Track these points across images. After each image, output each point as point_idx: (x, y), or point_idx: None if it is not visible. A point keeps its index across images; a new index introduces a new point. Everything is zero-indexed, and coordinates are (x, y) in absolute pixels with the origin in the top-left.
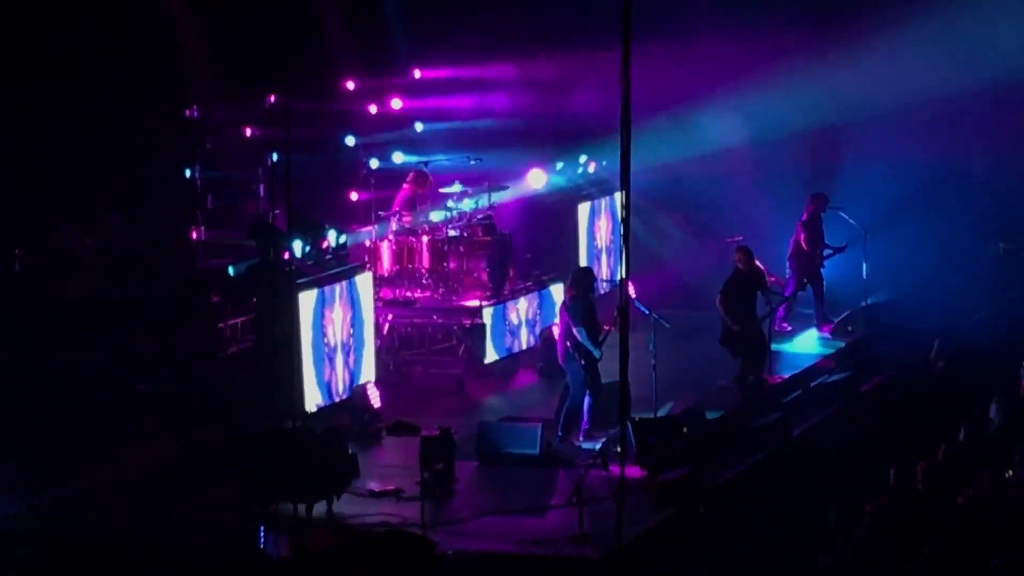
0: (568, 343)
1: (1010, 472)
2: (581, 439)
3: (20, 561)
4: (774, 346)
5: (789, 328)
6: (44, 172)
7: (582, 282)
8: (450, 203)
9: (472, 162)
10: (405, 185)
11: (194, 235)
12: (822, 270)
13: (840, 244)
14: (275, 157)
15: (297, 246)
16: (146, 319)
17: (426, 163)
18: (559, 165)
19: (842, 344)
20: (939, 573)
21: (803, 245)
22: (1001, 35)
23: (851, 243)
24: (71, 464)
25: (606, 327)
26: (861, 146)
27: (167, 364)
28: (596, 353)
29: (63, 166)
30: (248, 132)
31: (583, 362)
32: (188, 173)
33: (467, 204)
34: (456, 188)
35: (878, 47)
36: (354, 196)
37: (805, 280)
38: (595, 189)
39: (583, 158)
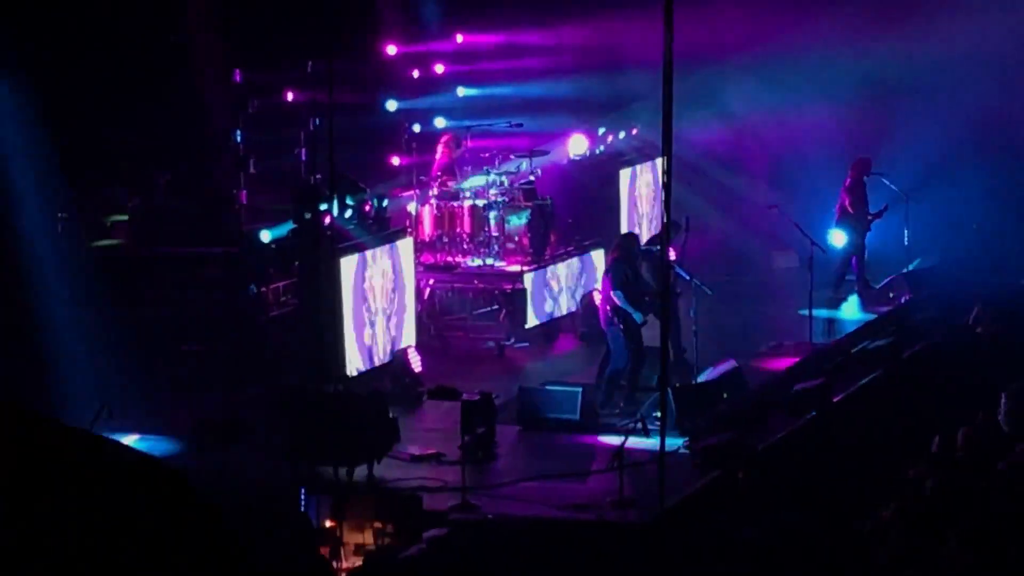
0: (609, 307)
1: None
2: (622, 405)
3: None
4: (821, 312)
5: (831, 294)
6: (93, 135)
7: (625, 247)
8: (492, 168)
9: (513, 127)
10: (442, 148)
11: (239, 198)
12: (867, 235)
13: (878, 209)
14: (317, 122)
15: (339, 210)
16: (191, 280)
17: (468, 128)
18: (601, 130)
19: (885, 310)
20: (982, 539)
21: (849, 209)
22: None
23: (891, 207)
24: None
25: (646, 297)
26: (905, 110)
27: (212, 325)
28: (637, 317)
29: (111, 129)
30: (290, 96)
31: (623, 327)
32: (232, 136)
33: (508, 169)
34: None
35: (925, 7)
36: (396, 161)
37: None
38: (636, 154)
39: (633, 127)
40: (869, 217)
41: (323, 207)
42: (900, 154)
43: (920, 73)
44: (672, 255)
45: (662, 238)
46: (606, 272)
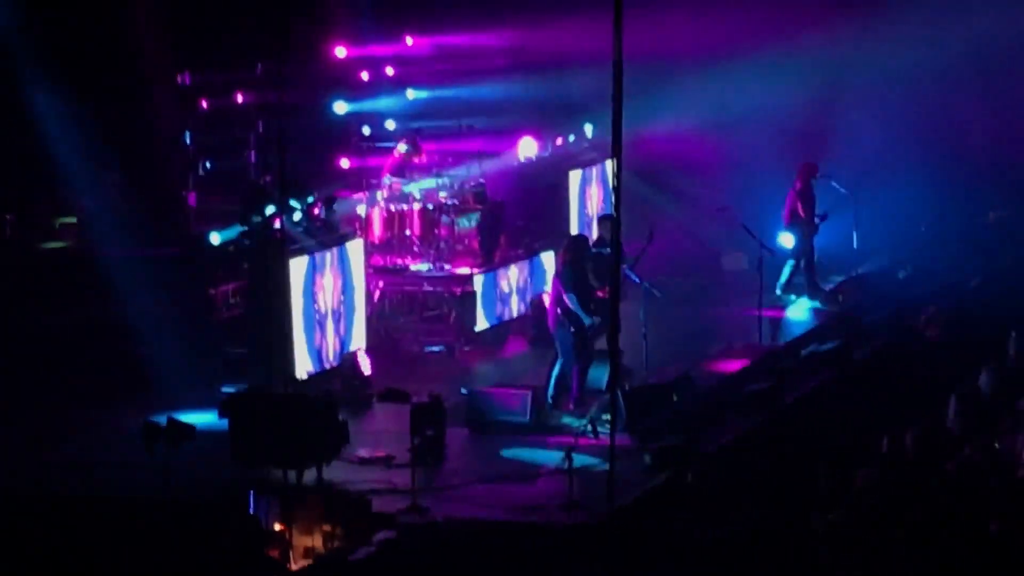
0: (559, 309)
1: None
2: (571, 407)
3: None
4: (770, 315)
5: (780, 293)
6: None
7: (575, 249)
8: (442, 171)
9: (464, 128)
10: (395, 152)
11: (189, 199)
12: (815, 237)
13: (822, 213)
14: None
15: (288, 212)
16: (141, 282)
17: (418, 130)
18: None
19: (834, 313)
20: (931, 539)
21: (800, 214)
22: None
23: (837, 211)
24: (64, 424)
25: (599, 294)
26: (851, 112)
27: (161, 327)
28: (587, 320)
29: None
30: (240, 98)
31: (573, 329)
32: (181, 138)
33: (458, 172)
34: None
35: (873, 12)
36: (345, 163)
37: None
38: (587, 157)
39: (588, 127)
40: (816, 220)
41: (272, 210)
42: (847, 156)
43: (865, 75)
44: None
45: (612, 239)
46: (556, 274)
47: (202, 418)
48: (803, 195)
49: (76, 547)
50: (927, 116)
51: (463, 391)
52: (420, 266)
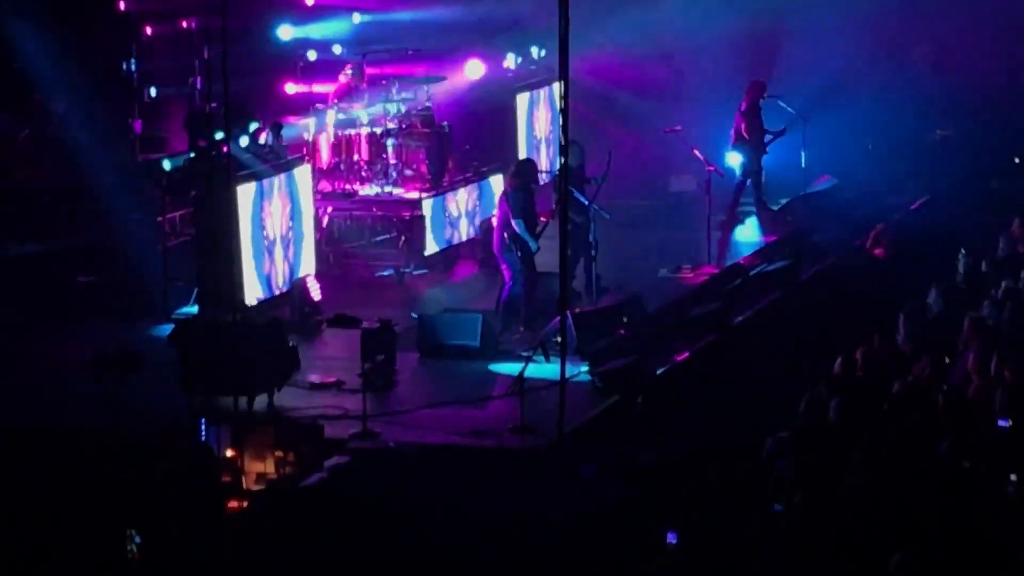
0: (505, 234)
1: (947, 359)
2: (521, 330)
3: None
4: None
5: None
6: None
7: (523, 173)
8: (389, 95)
9: (410, 52)
10: (341, 78)
11: (134, 127)
12: (764, 158)
13: (778, 128)
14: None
15: (234, 139)
16: (87, 210)
17: (364, 55)
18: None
19: (783, 232)
20: (883, 457)
21: (744, 134)
22: None
23: (788, 130)
24: (10, 354)
25: (543, 219)
26: (798, 34)
27: (108, 255)
28: (533, 245)
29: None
30: (184, 24)
31: (519, 253)
32: (125, 66)
33: (405, 96)
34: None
35: None
36: (291, 88)
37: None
38: (534, 78)
39: (535, 49)
40: (767, 139)
41: (219, 136)
42: (795, 75)
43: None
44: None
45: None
46: (504, 198)
47: (152, 345)
48: (747, 115)
49: (22, 479)
50: (872, 37)
51: (413, 316)
52: (368, 191)
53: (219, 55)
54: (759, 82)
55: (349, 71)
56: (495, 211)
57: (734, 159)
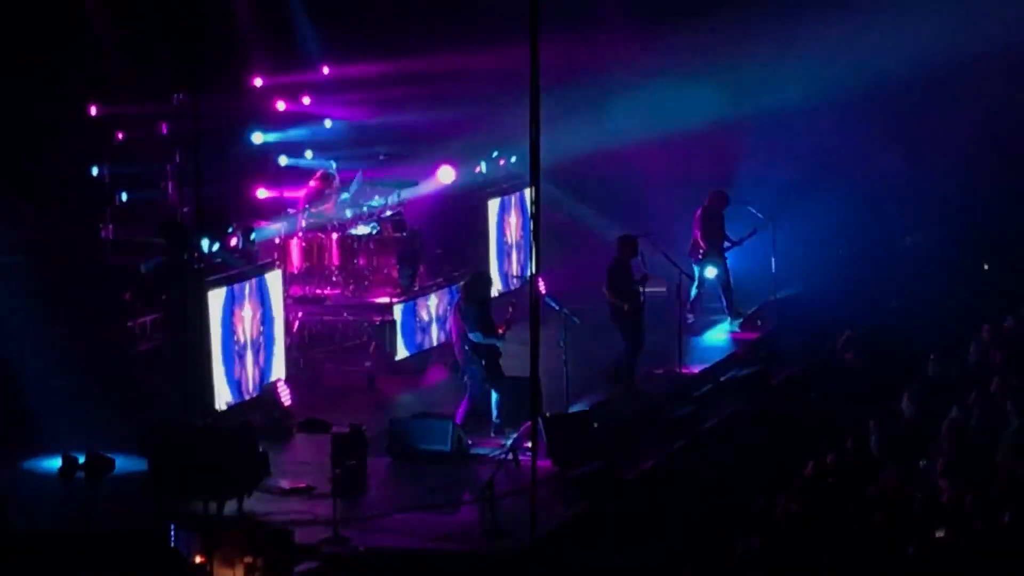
0: (466, 346)
1: (924, 462)
2: (492, 435)
3: None
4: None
5: (691, 319)
6: None
7: (475, 287)
8: (359, 200)
9: (381, 158)
10: (312, 182)
11: (105, 232)
12: (727, 263)
13: (738, 237)
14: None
15: (205, 244)
16: (57, 315)
17: (335, 161)
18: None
19: (753, 337)
20: (854, 562)
21: (700, 242)
22: (908, 24)
23: (756, 235)
24: None
25: (499, 329)
26: (768, 140)
27: (78, 361)
28: (499, 344)
29: None
30: (156, 129)
31: (483, 362)
32: (96, 171)
33: (376, 201)
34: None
35: (785, 40)
36: (263, 193)
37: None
38: (507, 184)
39: (495, 154)
40: (727, 245)
41: (190, 241)
42: (764, 181)
43: (779, 100)
44: (541, 286)
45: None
46: (456, 312)
47: (121, 452)
48: (702, 222)
49: None
50: (837, 139)
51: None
52: (339, 296)
53: (191, 160)
54: (721, 192)
55: (318, 177)
56: (449, 320)
57: (711, 272)
